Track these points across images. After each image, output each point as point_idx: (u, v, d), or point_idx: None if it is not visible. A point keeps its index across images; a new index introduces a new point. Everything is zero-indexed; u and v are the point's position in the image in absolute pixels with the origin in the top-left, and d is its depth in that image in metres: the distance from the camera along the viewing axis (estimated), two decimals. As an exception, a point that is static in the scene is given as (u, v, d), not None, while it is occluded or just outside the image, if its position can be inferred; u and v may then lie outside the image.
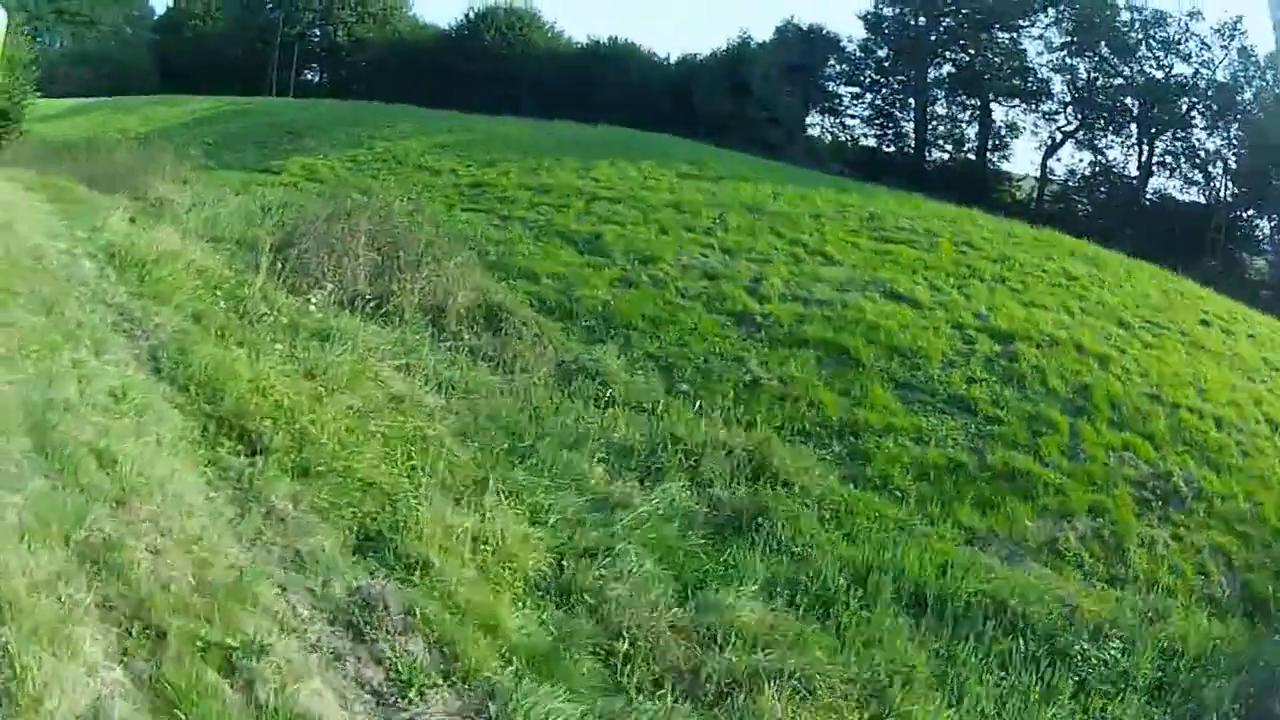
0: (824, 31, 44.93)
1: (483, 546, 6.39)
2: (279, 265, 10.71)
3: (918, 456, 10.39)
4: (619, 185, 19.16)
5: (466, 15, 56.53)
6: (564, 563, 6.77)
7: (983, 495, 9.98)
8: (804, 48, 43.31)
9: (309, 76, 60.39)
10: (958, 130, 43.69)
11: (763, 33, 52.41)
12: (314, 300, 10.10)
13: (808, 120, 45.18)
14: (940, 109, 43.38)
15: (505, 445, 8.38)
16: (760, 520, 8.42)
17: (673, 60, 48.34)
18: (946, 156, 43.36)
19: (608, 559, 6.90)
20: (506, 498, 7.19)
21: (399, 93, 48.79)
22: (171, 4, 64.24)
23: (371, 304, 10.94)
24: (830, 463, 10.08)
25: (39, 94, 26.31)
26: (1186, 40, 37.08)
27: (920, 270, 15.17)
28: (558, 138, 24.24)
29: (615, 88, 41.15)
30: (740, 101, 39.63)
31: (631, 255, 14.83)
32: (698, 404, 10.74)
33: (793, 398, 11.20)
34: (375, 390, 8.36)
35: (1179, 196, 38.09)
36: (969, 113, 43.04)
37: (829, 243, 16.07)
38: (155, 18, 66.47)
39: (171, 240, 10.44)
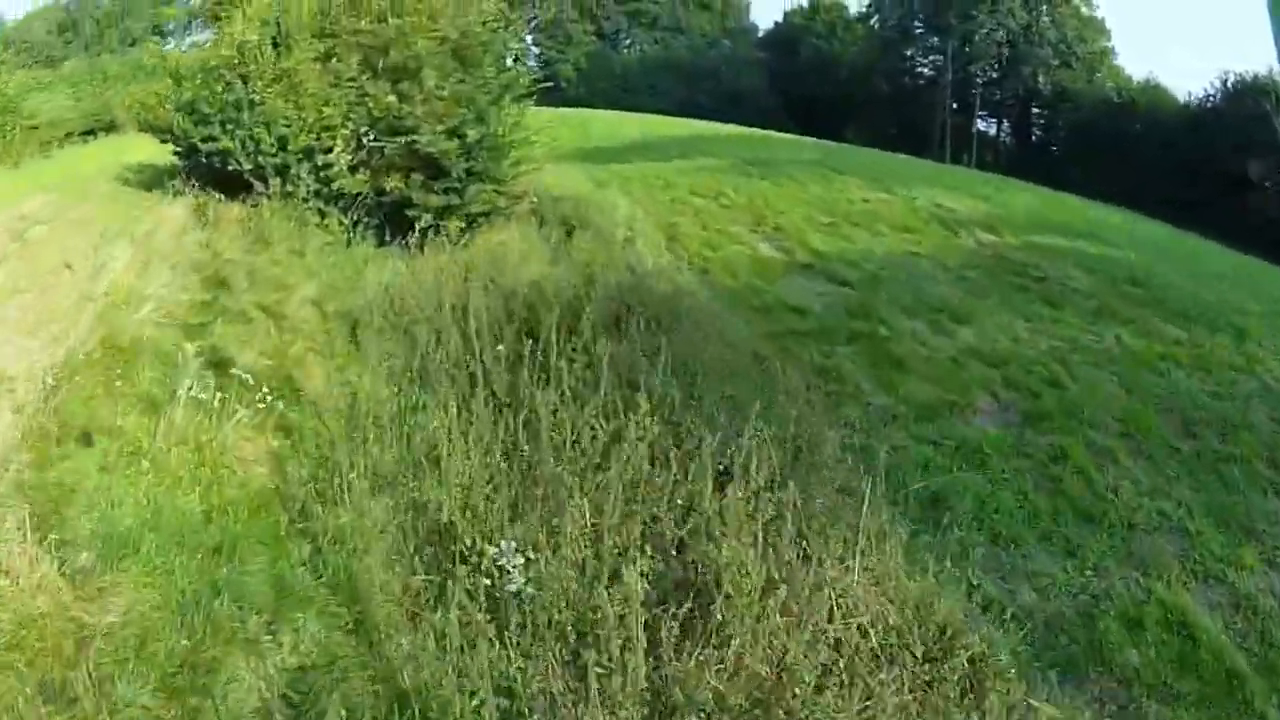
0: None
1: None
2: None
3: None
4: None
5: (1224, 82, 35.04)
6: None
7: None
8: None
9: (982, 127, 43.78)
10: None
11: None
12: None
13: None
14: None
15: None
16: None
17: None
18: None
19: None
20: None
21: (1114, 178, 31.58)
22: (781, 18, 52.15)
23: None
24: None
25: (532, 100, 12.60)
26: None
27: None
28: None
29: None
30: None
31: None
32: None
33: None
34: None
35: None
36: None
37: None
38: (761, 32, 55.64)
39: None
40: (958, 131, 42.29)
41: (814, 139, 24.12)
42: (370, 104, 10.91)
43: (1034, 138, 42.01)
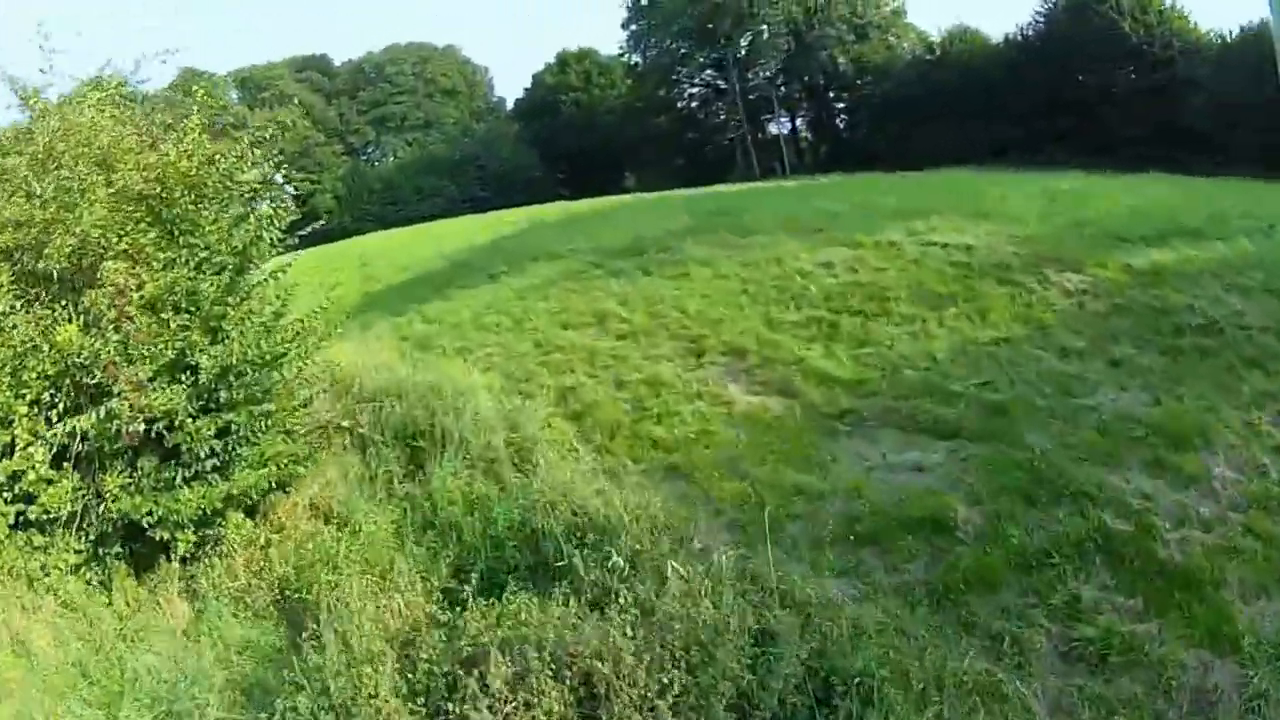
0: None
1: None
2: None
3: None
4: None
5: (1054, 4, 33.99)
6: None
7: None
8: None
9: (774, 130, 40.83)
10: None
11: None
12: None
13: None
14: None
15: None
16: None
17: None
18: None
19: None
20: None
21: (938, 139, 31.43)
22: (530, 84, 48.67)
23: None
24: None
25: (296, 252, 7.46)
26: None
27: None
28: None
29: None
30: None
31: None
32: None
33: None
34: None
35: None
36: None
37: None
38: (510, 105, 52.36)
39: None
40: (755, 142, 39.92)
41: (683, 191, 20.39)
42: (44, 348, 6.27)
43: (840, 122, 40.00)
